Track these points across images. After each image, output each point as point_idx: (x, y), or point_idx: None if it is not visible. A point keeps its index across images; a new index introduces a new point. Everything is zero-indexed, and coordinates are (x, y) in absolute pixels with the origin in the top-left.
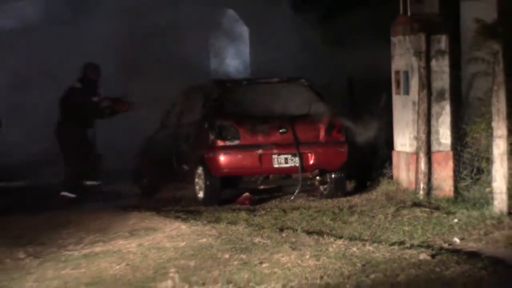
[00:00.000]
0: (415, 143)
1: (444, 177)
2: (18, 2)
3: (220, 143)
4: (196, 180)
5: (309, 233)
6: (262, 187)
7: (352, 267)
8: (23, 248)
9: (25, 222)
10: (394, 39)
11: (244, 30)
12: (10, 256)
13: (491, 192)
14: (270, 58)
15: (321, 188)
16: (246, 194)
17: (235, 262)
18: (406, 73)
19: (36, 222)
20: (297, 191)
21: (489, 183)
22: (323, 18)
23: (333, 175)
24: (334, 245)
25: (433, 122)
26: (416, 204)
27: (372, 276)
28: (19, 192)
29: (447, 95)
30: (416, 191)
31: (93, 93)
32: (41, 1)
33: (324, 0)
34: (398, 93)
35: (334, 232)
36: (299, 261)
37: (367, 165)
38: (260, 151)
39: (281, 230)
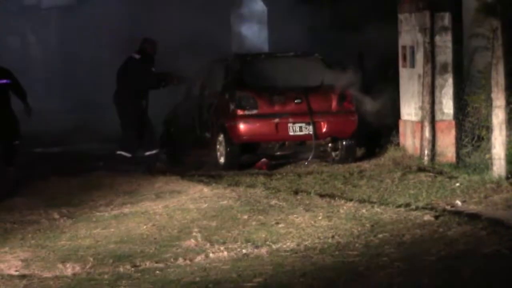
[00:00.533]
0: (420, 112)
1: (447, 144)
2: None
3: (240, 112)
4: (218, 146)
5: (321, 196)
6: (278, 153)
7: (362, 228)
8: (57, 209)
9: (60, 185)
10: (401, 17)
11: (263, 9)
12: (45, 217)
13: (490, 158)
14: (287, 35)
15: (333, 154)
16: (264, 159)
17: (253, 223)
18: (412, 48)
19: (70, 185)
20: (310, 157)
21: (488, 150)
22: None
23: (344, 142)
24: (345, 207)
25: (437, 93)
26: (421, 169)
27: (380, 235)
28: (56, 158)
29: (450, 68)
30: (421, 157)
31: (150, 65)
32: None
33: None
34: (404, 66)
35: (345, 195)
36: (312, 222)
37: (376, 133)
38: (276, 120)
39: (296, 193)
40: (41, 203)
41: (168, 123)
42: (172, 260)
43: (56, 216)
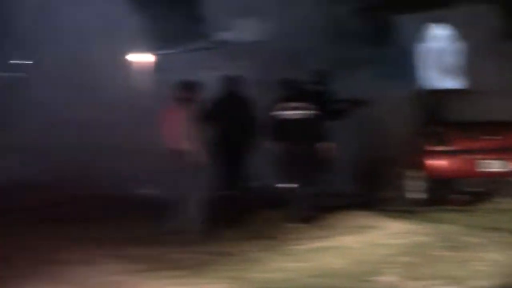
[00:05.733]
0: None
1: None
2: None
3: (436, 148)
4: (411, 182)
5: None
6: (472, 189)
7: None
8: (249, 241)
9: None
10: None
11: None
12: (239, 248)
13: None
14: None
15: None
16: (458, 195)
17: (451, 260)
18: None
19: (270, 217)
20: (508, 194)
21: None
22: None
23: None
24: None
25: None
26: None
27: None
28: None
29: None
30: None
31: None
32: None
33: None
34: None
35: None
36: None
37: None
38: (472, 156)
39: (492, 230)
40: (235, 235)
41: (360, 159)
42: None
43: (249, 248)
